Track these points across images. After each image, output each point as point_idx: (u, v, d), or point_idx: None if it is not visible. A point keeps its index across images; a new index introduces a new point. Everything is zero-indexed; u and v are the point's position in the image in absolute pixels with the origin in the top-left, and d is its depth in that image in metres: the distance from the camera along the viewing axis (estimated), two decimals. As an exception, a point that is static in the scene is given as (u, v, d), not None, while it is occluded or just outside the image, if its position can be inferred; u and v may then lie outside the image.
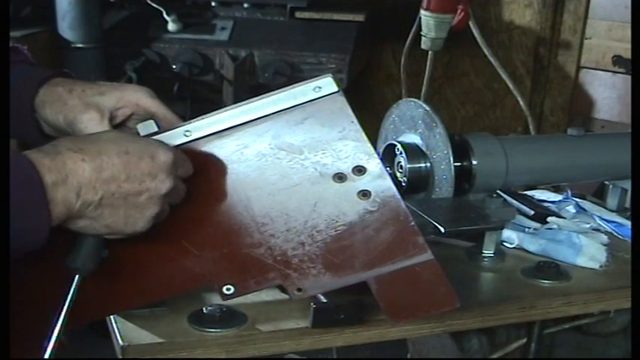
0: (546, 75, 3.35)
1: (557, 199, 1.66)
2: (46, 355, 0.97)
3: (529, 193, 1.69)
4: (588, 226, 1.53)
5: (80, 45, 2.83)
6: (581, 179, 1.61)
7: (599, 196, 1.71)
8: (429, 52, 2.40)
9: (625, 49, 3.07)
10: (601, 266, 1.38)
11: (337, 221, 1.07)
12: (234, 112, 1.07)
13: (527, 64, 3.36)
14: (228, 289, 1.07)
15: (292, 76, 2.76)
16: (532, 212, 1.56)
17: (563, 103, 3.34)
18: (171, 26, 2.94)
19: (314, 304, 1.13)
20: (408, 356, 1.79)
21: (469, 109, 3.51)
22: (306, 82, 1.08)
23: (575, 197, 1.67)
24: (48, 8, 2.82)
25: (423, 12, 2.24)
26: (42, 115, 1.12)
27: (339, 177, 1.07)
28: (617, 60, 3.14)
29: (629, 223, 1.55)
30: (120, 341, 1.08)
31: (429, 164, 1.40)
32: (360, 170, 1.07)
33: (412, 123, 1.44)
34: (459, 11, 2.25)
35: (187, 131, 1.06)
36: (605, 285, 1.34)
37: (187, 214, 1.04)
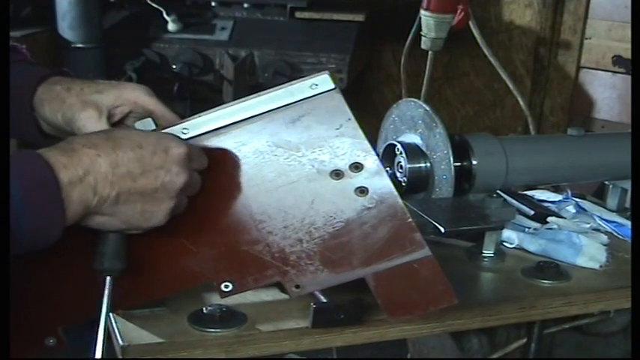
0: (546, 75, 3.35)
1: (557, 199, 1.66)
2: (98, 356, 0.99)
3: (529, 193, 1.69)
4: (588, 226, 1.53)
5: (80, 45, 2.83)
6: (581, 179, 1.61)
7: (599, 196, 1.71)
8: (429, 52, 2.40)
9: (625, 49, 3.07)
10: (601, 266, 1.38)
11: (335, 218, 1.07)
12: (231, 109, 1.07)
13: (527, 64, 3.37)
14: (226, 287, 1.07)
15: (292, 76, 2.77)
16: (532, 212, 1.56)
17: (563, 103, 3.34)
18: (171, 26, 2.94)
19: (314, 304, 1.13)
20: (408, 356, 1.79)
21: (469, 109, 3.51)
22: (303, 79, 1.08)
23: (575, 197, 1.67)
24: (48, 8, 2.82)
25: (423, 12, 2.23)
26: (41, 113, 1.12)
27: (337, 174, 1.08)
28: (617, 60, 3.14)
29: (629, 223, 1.55)
30: (120, 341, 1.08)
31: (429, 164, 1.40)
32: (357, 167, 1.08)
33: (412, 123, 1.44)
34: (459, 11, 2.24)
35: (185, 129, 1.06)
36: (605, 285, 1.34)
37: (185, 212, 1.04)
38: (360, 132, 1.08)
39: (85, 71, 2.75)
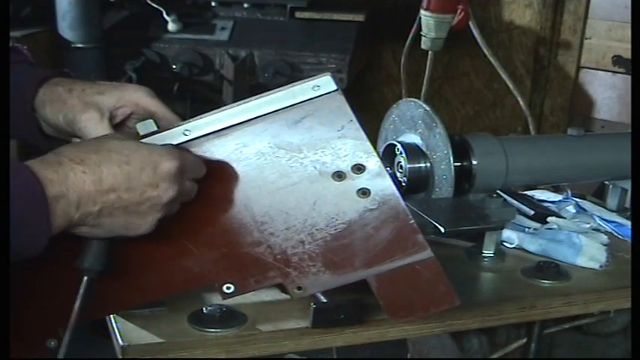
0: (546, 75, 3.35)
1: (557, 199, 1.66)
2: (60, 356, 0.98)
3: (529, 193, 1.69)
4: (588, 226, 1.53)
5: (80, 45, 2.83)
6: (581, 179, 1.61)
7: (599, 196, 1.71)
8: (429, 52, 2.40)
9: (625, 49, 3.07)
10: (601, 266, 1.38)
11: (337, 219, 1.07)
12: (233, 111, 1.07)
13: (527, 64, 3.36)
14: (228, 288, 1.07)
15: (292, 76, 2.76)
16: (532, 212, 1.56)
17: (563, 103, 3.34)
18: (171, 26, 2.94)
19: (314, 304, 1.13)
20: (408, 356, 1.79)
21: (469, 109, 3.51)
22: (304, 80, 1.08)
23: (575, 197, 1.67)
24: (48, 8, 2.82)
25: (423, 12, 2.23)
26: (42, 114, 1.12)
27: (339, 175, 1.07)
28: (617, 60, 3.14)
29: (629, 223, 1.55)
30: (120, 341, 1.08)
31: (429, 164, 1.40)
32: (359, 168, 1.08)
33: (412, 123, 1.44)
34: (458, 11, 2.24)
35: (186, 130, 1.06)
36: (605, 285, 1.34)
37: (187, 214, 1.04)
38: (362, 133, 1.08)
39: (85, 71, 2.75)
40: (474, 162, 1.39)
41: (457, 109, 3.52)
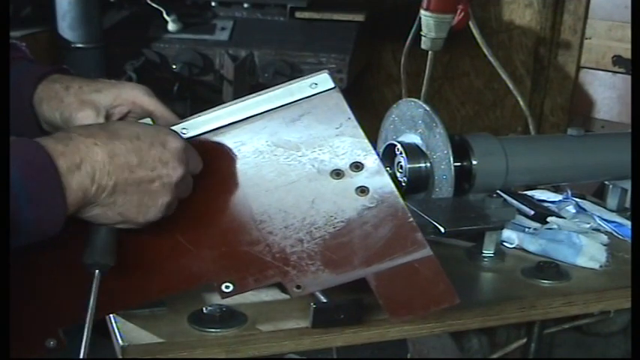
0: (546, 75, 3.35)
1: (557, 199, 1.66)
2: (82, 355, 0.98)
3: (529, 193, 1.69)
4: (588, 226, 1.53)
5: (80, 45, 2.83)
6: (581, 179, 1.61)
7: (599, 196, 1.71)
8: (429, 52, 2.40)
9: (625, 49, 3.07)
10: (601, 266, 1.38)
11: (335, 218, 1.07)
12: (230, 109, 1.07)
13: (527, 64, 3.36)
14: (227, 287, 1.07)
15: (292, 76, 2.76)
16: (532, 212, 1.56)
17: (563, 103, 3.34)
18: (171, 26, 2.94)
19: (314, 304, 1.13)
20: (408, 356, 1.79)
21: (469, 109, 3.51)
22: (302, 78, 1.08)
23: (575, 197, 1.67)
24: (48, 8, 2.82)
25: (423, 12, 2.23)
26: (39, 111, 1.11)
27: (337, 173, 1.07)
28: (617, 60, 3.14)
29: (629, 223, 1.55)
30: (120, 341, 1.08)
31: (429, 164, 1.40)
32: (357, 166, 1.07)
33: (412, 123, 1.44)
34: (458, 11, 2.24)
35: (184, 129, 1.06)
36: (605, 285, 1.34)
37: (185, 213, 1.04)
38: (360, 131, 1.08)
39: (85, 71, 2.74)
40: (474, 162, 1.39)
41: (457, 109, 3.52)
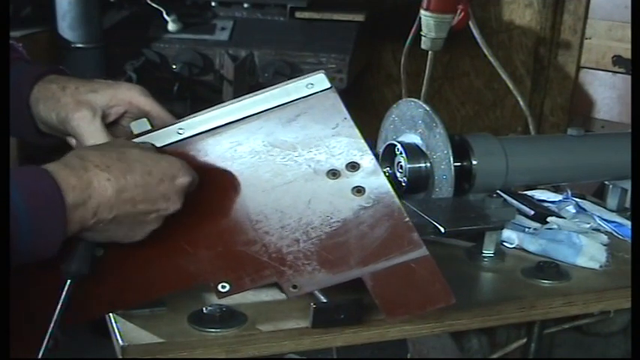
0: (546, 75, 3.35)
1: (557, 199, 1.66)
2: (39, 355, 0.98)
3: (529, 193, 1.69)
4: (588, 226, 1.53)
5: (80, 45, 2.83)
6: (581, 179, 1.61)
7: (599, 196, 1.71)
8: (429, 52, 2.40)
9: (625, 49, 3.07)
10: (601, 266, 1.38)
11: (331, 218, 1.07)
12: (227, 109, 1.07)
13: (527, 64, 3.36)
14: (223, 287, 1.07)
15: (292, 76, 2.76)
16: (532, 212, 1.56)
17: (563, 103, 3.34)
18: (171, 26, 2.94)
19: (314, 304, 1.13)
20: (408, 356, 1.79)
21: (469, 109, 3.51)
22: (298, 78, 1.08)
23: (575, 197, 1.67)
24: (48, 8, 2.82)
25: (423, 12, 2.23)
26: (36, 112, 1.11)
27: (333, 173, 1.07)
28: (617, 60, 3.13)
29: (629, 223, 1.55)
30: (120, 341, 1.08)
31: (429, 164, 1.39)
32: (353, 166, 1.08)
33: (412, 123, 1.44)
34: (458, 11, 2.24)
35: (180, 129, 1.06)
36: (605, 285, 1.34)
37: (182, 213, 1.03)
38: (356, 131, 1.08)
39: (85, 71, 2.75)
40: (474, 162, 1.39)
41: (457, 109, 3.52)
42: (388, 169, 1.44)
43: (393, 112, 1.49)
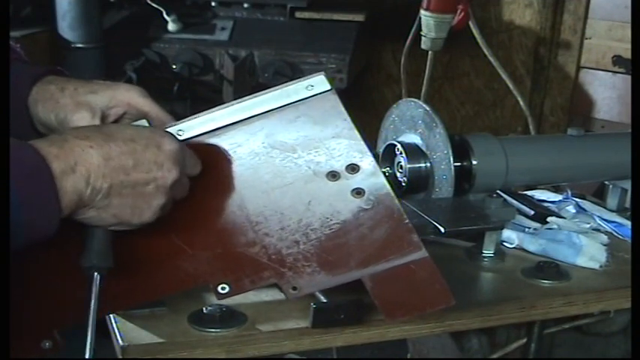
0: (546, 75, 3.35)
1: (557, 199, 1.66)
2: (87, 356, 0.98)
3: (529, 193, 1.69)
4: (588, 226, 1.53)
5: (80, 45, 2.83)
6: (581, 179, 1.61)
7: (599, 196, 1.71)
8: (429, 52, 2.40)
9: (625, 49, 3.07)
10: (601, 266, 1.38)
11: (331, 220, 1.07)
12: (227, 110, 1.07)
13: (527, 64, 3.36)
14: (222, 288, 1.07)
15: (292, 76, 2.76)
16: (532, 212, 1.56)
17: (563, 103, 3.34)
18: (171, 26, 2.94)
19: (314, 304, 1.13)
20: (408, 356, 1.79)
21: (469, 109, 3.51)
22: (298, 80, 1.08)
23: (575, 197, 1.67)
24: (48, 8, 2.82)
25: (423, 12, 2.24)
26: (34, 113, 1.11)
27: (333, 175, 1.07)
28: (617, 60, 3.14)
29: (629, 223, 1.55)
30: (120, 341, 1.08)
31: (429, 164, 1.39)
32: (353, 168, 1.07)
33: (412, 123, 1.44)
34: (458, 11, 2.24)
35: (180, 130, 1.06)
36: (605, 285, 1.34)
37: (181, 214, 1.03)
38: (356, 133, 1.08)
39: (85, 71, 2.75)
40: (474, 162, 1.39)
41: (457, 109, 3.52)
42: (388, 169, 1.44)
43: (393, 112, 1.49)
